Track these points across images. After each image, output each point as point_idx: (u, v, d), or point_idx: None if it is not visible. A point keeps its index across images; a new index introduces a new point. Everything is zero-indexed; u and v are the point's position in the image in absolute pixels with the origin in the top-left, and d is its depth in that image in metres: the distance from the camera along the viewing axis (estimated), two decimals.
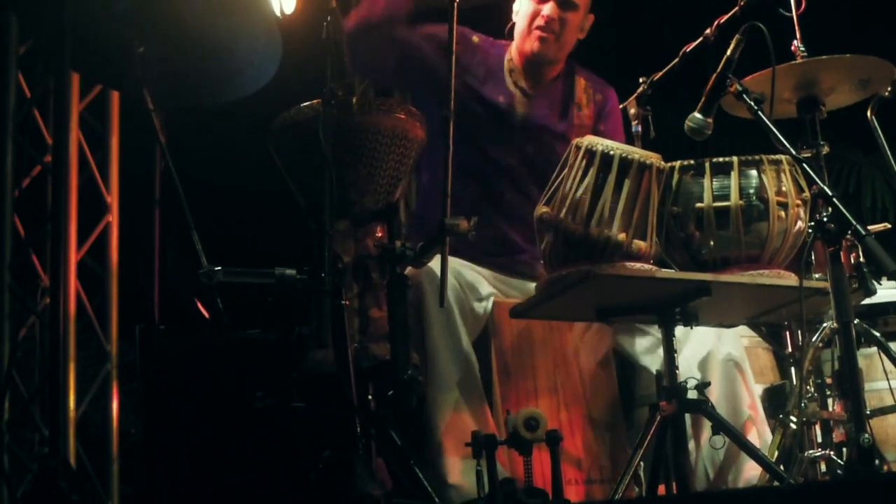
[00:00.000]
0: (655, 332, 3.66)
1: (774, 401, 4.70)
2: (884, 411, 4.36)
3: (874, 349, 4.21)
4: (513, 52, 4.08)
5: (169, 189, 3.36)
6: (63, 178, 4.56)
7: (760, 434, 3.72)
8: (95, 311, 5.12)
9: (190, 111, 4.02)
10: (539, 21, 3.96)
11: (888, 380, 4.31)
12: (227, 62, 3.59)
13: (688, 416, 3.50)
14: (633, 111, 4.12)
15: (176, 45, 3.53)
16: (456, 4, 3.38)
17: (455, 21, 3.37)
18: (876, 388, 4.62)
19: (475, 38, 4.09)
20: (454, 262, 3.65)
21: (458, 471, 3.48)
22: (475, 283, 3.77)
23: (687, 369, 3.61)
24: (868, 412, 4.20)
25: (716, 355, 3.73)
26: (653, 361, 3.81)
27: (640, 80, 4.14)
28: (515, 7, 4.07)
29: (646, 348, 3.86)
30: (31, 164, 5.09)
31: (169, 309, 4.62)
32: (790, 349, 4.28)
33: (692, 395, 3.38)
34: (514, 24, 4.08)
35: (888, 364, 4.19)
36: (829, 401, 4.07)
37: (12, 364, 4.77)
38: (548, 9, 3.95)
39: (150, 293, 4.66)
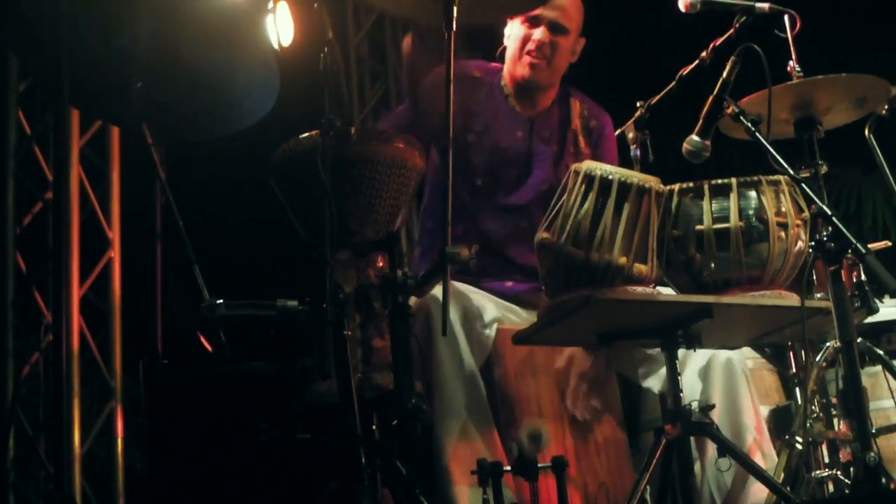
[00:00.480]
0: (656, 354, 3.68)
1: (780, 422, 4.68)
2: (890, 430, 4.34)
3: (879, 368, 4.19)
4: (505, 76, 4.10)
5: (170, 223, 3.36)
6: (64, 215, 4.58)
7: (766, 455, 3.70)
8: (99, 346, 5.12)
9: (189, 145, 4.03)
10: (530, 45, 3.97)
11: (894, 398, 4.29)
12: (225, 95, 3.61)
13: (693, 439, 3.50)
14: (631, 135, 4.12)
15: (174, 80, 3.55)
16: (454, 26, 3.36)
17: (453, 43, 3.34)
18: (882, 406, 4.60)
19: (476, 73, 4.09)
20: (460, 288, 3.67)
21: (467, 499, 3.47)
22: (481, 310, 3.77)
23: (690, 380, 3.63)
24: (874, 431, 4.19)
25: (716, 361, 3.73)
26: (655, 383, 3.82)
27: (638, 104, 4.14)
28: (507, 31, 4.07)
29: (647, 370, 3.86)
30: (32, 201, 5.10)
31: (172, 343, 4.62)
32: (794, 370, 4.26)
33: (697, 417, 3.37)
34: (505, 47, 4.09)
35: (893, 382, 4.18)
36: (835, 421, 4.06)
37: (16, 401, 4.77)
38: (539, 33, 3.95)
39: (153, 328, 4.66)
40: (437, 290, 3.46)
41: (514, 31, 4.03)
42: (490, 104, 4.05)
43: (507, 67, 4.08)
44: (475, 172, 3.98)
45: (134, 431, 5.20)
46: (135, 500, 5.01)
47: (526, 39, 3.97)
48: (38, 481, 5.04)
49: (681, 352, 3.45)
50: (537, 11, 3.93)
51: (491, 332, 3.76)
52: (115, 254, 5.23)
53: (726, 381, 3.73)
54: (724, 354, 3.75)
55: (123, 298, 5.18)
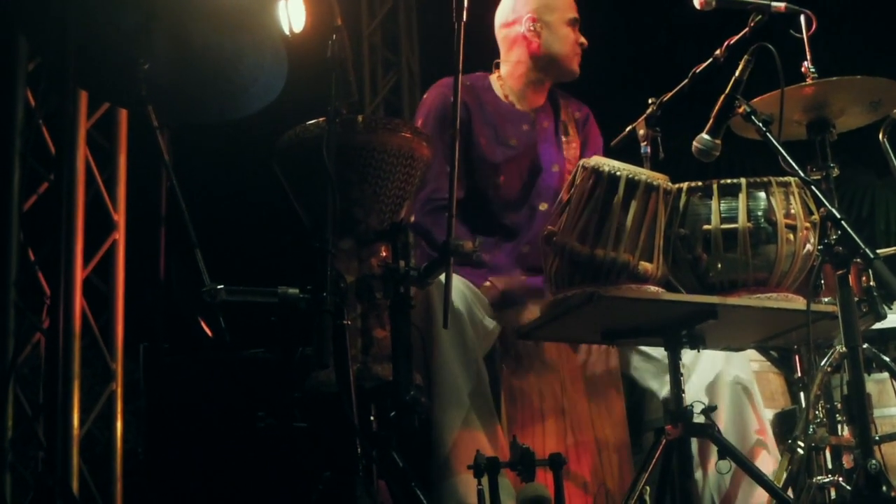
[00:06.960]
0: (662, 358, 3.66)
1: (785, 426, 4.65)
2: (893, 437, 4.31)
3: (886, 374, 4.16)
4: (510, 77, 4.12)
5: (174, 207, 3.34)
6: (68, 196, 4.56)
7: (770, 460, 3.67)
8: (101, 329, 5.11)
9: (195, 129, 4.00)
10: (580, 47, 4.08)
11: None
12: (233, 80, 3.58)
13: (695, 442, 3.47)
14: (642, 132, 4.09)
15: (182, 63, 3.52)
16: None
17: (463, 25, 3.29)
18: (888, 413, 4.56)
19: (466, 82, 4.03)
20: (460, 282, 3.63)
21: (471, 489, 3.40)
22: (483, 298, 3.75)
23: (695, 393, 3.57)
24: (878, 438, 4.15)
25: (724, 378, 3.70)
26: (660, 386, 3.79)
27: (650, 100, 4.11)
28: (516, 31, 4.07)
29: (653, 374, 3.84)
30: (38, 181, 5.08)
31: (174, 327, 4.60)
32: (799, 373, 4.23)
33: (699, 419, 3.34)
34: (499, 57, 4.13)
35: None
36: (840, 426, 4.02)
37: (9, 380, 4.73)
38: (579, 35, 4.08)
39: (156, 311, 4.64)
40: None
41: (559, 33, 4.06)
42: (489, 108, 4.07)
43: (513, 70, 4.12)
44: (496, 170, 3.98)
45: (135, 415, 5.18)
46: (134, 483, 5.00)
47: (576, 41, 4.07)
48: (37, 462, 5.03)
49: (687, 361, 3.42)
50: (576, 14, 4.06)
51: (494, 323, 3.74)
52: (119, 236, 5.21)
53: (733, 400, 3.70)
54: (732, 373, 3.73)
55: (127, 281, 5.16)
